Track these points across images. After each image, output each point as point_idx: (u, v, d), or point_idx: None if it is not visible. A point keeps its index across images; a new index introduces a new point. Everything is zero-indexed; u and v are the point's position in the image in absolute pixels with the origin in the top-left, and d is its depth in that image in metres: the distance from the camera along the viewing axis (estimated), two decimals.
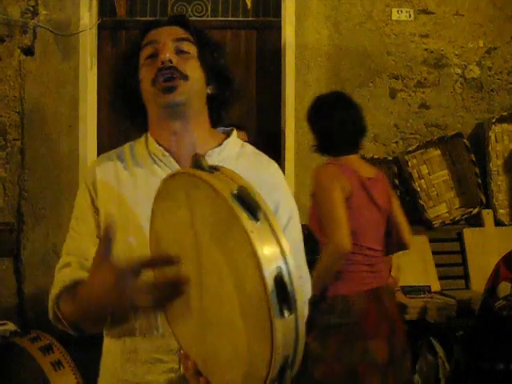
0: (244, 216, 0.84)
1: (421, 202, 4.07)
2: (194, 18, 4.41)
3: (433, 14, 4.22)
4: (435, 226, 4.05)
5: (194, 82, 1.33)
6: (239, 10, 4.41)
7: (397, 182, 4.12)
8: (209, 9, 4.40)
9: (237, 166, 1.30)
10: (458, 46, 4.25)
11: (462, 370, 3.05)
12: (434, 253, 3.94)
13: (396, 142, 4.26)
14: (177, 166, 1.33)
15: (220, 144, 1.39)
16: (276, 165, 1.46)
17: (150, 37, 1.36)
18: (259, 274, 0.81)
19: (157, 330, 1.27)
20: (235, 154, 1.40)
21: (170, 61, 1.29)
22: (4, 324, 3.55)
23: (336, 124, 2.66)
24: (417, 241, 3.96)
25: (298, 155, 4.16)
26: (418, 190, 4.09)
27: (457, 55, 4.26)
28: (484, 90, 4.29)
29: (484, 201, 4.05)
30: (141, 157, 1.38)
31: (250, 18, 4.40)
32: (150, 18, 4.39)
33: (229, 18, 4.40)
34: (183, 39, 1.35)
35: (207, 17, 4.41)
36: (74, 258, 1.36)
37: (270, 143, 4.17)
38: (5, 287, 4.19)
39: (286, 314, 0.82)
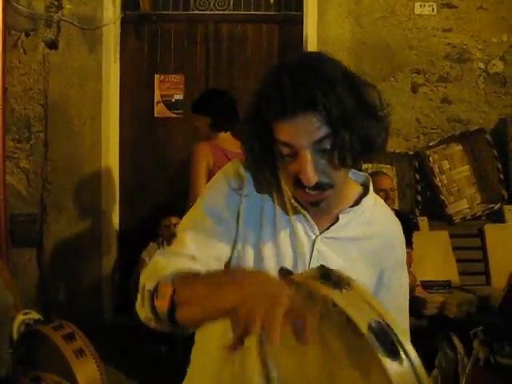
0: (382, 355, 0.78)
1: (442, 198, 4.05)
2: (216, 12, 4.43)
3: (456, 7, 4.18)
4: (456, 221, 4.03)
5: (340, 180, 1.18)
6: (261, 4, 4.41)
7: (418, 176, 4.11)
8: (231, 3, 4.41)
9: (366, 231, 1.25)
10: (481, 41, 4.21)
11: (481, 365, 3.03)
12: (454, 248, 3.92)
13: (417, 137, 4.24)
14: (315, 229, 1.23)
15: (357, 201, 1.27)
16: (400, 227, 1.34)
17: (286, 134, 1.14)
18: None
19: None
20: (369, 213, 1.27)
21: (316, 183, 1.14)
22: (28, 313, 3.61)
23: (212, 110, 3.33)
24: (437, 236, 3.95)
25: None
26: (439, 185, 4.07)
27: (480, 50, 4.22)
28: (507, 85, 4.25)
29: (506, 197, 4.02)
30: (283, 207, 1.24)
31: (272, 12, 4.40)
32: (173, 12, 4.42)
33: (251, 12, 4.41)
34: (320, 140, 1.12)
35: (229, 10, 4.43)
36: (201, 256, 1.17)
37: None
38: (28, 277, 4.26)
39: None
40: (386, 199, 3.52)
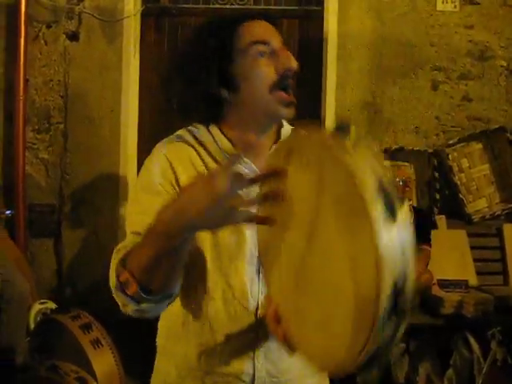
0: (379, 213, 0.82)
1: (460, 196, 4.01)
2: (237, 7, 4.42)
3: (479, 4, 4.13)
4: (474, 220, 4.00)
5: None
6: None
7: (436, 175, 4.08)
8: None
9: None
10: (503, 38, 4.15)
11: (498, 366, 3.02)
12: (472, 247, 3.89)
13: (437, 135, 4.20)
14: (254, 167, 1.27)
15: (278, 134, 1.34)
16: None
17: (257, 33, 1.22)
18: (377, 277, 0.81)
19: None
20: None
21: (296, 69, 1.22)
22: (44, 302, 3.65)
23: None
24: (455, 235, 3.92)
25: None
26: (458, 183, 4.04)
27: (502, 47, 4.17)
28: None
29: None
30: (214, 152, 1.29)
31: (293, 7, 4.38)
32: (193, 6, 4.42)
33: (271, 7, 4.39)
34: (283, 44, 1.25)
35: (250, 5, 4.41)
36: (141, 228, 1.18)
37: None
38: (46, 267, 4.29)
39: (393, 320, 0.84)
40: (405, 188, 3.49)
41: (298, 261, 1.00)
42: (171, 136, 1.36)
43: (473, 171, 4.14)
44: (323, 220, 0.94)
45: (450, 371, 3.43)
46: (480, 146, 4.15)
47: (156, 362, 1.44)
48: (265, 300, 1.17)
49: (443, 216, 3.99)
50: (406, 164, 4.14)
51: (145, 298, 1.10)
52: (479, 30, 4.17)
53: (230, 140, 1.29)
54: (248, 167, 1.27)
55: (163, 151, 1.31)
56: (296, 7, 4.38)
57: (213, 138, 1.30)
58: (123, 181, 4.31)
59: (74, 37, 4.30)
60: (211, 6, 4.43)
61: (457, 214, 4.04)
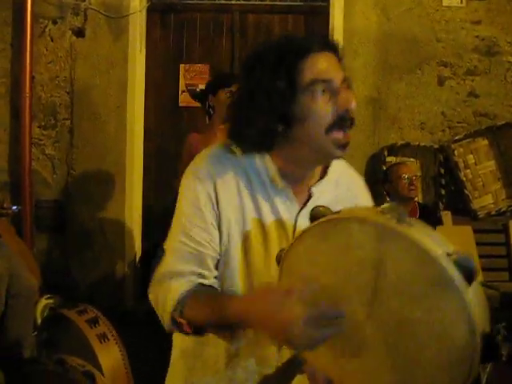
0: (462, 282, 0.88)
1: (466, 192, 4.01)
2: (241, 2, 4.42)
3: None
4: (480, 216, 3.99)
5: None
6: None
7: (442, 170, 4.07)
8: None
9: (336, 193, 1.31)
10: (511, 34, 4.14)
11: (504, 362, 3.01)
12: (477, 244, 3.88)
13: (443, 131, 4.20)
14: (295, 205, 1.27)
15: (323, 172, 1.32)
16: (361, 180, 1.42)
17: (321, 71, 1.17)
18: (474, 337, 0.89)
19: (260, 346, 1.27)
20: (335, 180, 1.33)
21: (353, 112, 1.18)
22: (51, 297, 3.67)
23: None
24: (461, 231, 3.91)
25: None
26: (464, 179, 4.03)
27: (509, 43, 4.15)
28: None
29: None
30: (262, 180, 1.26)
31: (298, 3, 4.38)
32: (199, 2, 4.42)
33: (277, 3, 4.39)
34: (345, 79, 1.20)
35: (255, 1, 4.41)
36: (188, 268, 1.23)
37: None
38: (52, 262, 4.32)
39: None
40: (410, 186, 3.49)
41: (358, 337, 1.03)
42: (220, 149, 1.28)
43: (479, 167, 4.13)
44: (384, 297, 0.98)
45: None
46: (486, 142, 4.14)
47: (176, 361, 1.41)
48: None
49: (449, 212, 3.99)
50: (412, 160, 4.14)
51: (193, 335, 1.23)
52: (486, 25, 4.15)
53: (278, 168, 1.26)
54: (288, 196, 1.27)
55: (211, 170, 1.25)
56: (302, 3, 4.37)
57: (264, 166, 1.26)
58: (129, 177, 4.33)
59: (79, 33, 4.31)
60: (216, 1, 4.43)
61: (462, 210, 4.04)
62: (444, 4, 4.13)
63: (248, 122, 1.21)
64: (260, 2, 4.41)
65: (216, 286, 1.25)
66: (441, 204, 4.05)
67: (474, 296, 0.89)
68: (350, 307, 1.01)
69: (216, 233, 1.23)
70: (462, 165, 4.08)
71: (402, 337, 0.96)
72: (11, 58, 4.34)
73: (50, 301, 3.72)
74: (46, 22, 4.30)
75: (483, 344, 0.89)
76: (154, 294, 1.27)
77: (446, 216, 3.97)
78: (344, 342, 1.04)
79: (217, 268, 1.25)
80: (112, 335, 2.83)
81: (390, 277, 0.96)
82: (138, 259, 4.42)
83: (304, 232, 1.06)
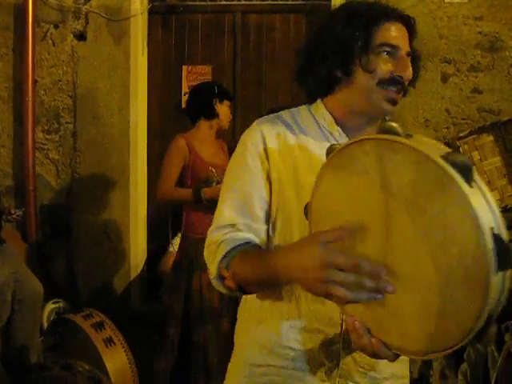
0: (460, 179, 0.87)
1: None
2: (243, 2, 4.41)
3: None
4: None
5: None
6: None
7: None
8: None
9: None
10: None
11: None
12: None
13: (447, 128, 4.18)
14: None
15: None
16: None
17: (391, 36, 1.31)
18: (478, 233, 0.86)
19: (322, 302, 1.26)
20: None
21: (408, 79, 1.31)
22: (57, 301, 3.67)
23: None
24: None
25: None
26: None
27: None
28: None
29: None
30: (312, 132, 1.36)
31: (300, 2, 4.36)
32: (200, 3, 4.41)
33: (278, 2, 4.37)
34: (409, 54, 1.34)
35: (257, 1, 4.40)
36: (242, 220, 1.31)
37: None
38: (57, 266, 4.32)
39: (501, 271, 0.87)
40: None
41: (380, 260, 1.00)
42: (271, 114, 1.41)
43: (484, 164, 4.10)
44: (397, 219, 0.96)
45: (464, 365, 3.40)
46: (491, 138, 4.11)
47: (236, 346, 1.45)
48: (348, 319, 1.12)
49: None
50: None
51: (239, 293, 1.27)
52: (488, 21, 4.12)
53: (334, 117, 1.36)
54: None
55: (260, 127, 1.36)
56: (303, 2, 4.36)
57: (314, 118, 1.38)
58: (133, 179, 4.32)
59: (81, 36, 4.31)
60: (218, 2, 4.42)
61: None
62: (446, 0, 4.10)
63: (313, 67, 1.35)
64: (261, 2, 4.40)
65: (265, 242, 1.32)
66: None
67: (477, 197, 0.87)
68: (372, 239, 1.00)
69: (266, 185, 1.32)
70: None
71: (420, 256, 0.94)
72: (13, 63, 4.34)
73: (57, 305, 3.72)
74: (48, 26, 4.30)
75: (496, 246, 0.86)
76: (207, 252, 1.33)
77: None
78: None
79: (268, 221, 1.33)
80: (118, 339, 2.83)
81: (396, 193, 0.95)
82: (143, 262, 4.41)
83: (321, 170, 1.09)
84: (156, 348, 3.09)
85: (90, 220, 4.32)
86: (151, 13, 4.38)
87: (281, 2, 4.36)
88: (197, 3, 4.41)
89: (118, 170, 4.29)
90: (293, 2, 4.36)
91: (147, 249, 4.45)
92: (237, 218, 1.31)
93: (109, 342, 2.82)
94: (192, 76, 4.43)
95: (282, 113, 1.40)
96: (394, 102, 1.31)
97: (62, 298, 3.80)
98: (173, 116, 4.47)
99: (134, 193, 4.33)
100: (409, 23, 1.37)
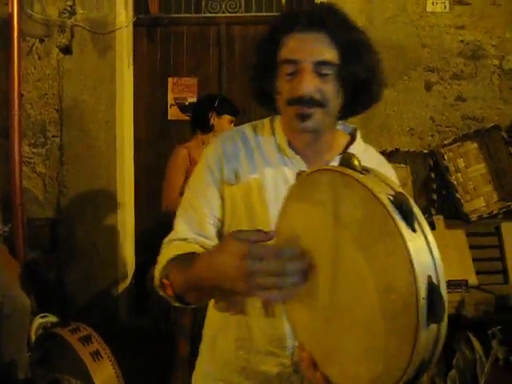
0: (402, 223, 0.85)
1: (457, 196, 4.01)
2: (227, 14, 4.44)
3: (469, 4, 4.15)
4: (472, 219, 3.99)
5: (331, 108, 1.27)
6: (273, 6, 4.42)
7: (433, 175, 4.07)
8: (242, 5, 4.42)
9: None
10: (495, 37, 4.16)
11: (500, 365, 3.00)
12: (471, 247, 3.88)
13: (432, 135, 4.21)
14: (305, 169, 1.27)
15: (345, 149, 1.36)
16: (394, 172, 1.44)
17: (290, 52, 1.24)
18: (413, 280, 0.83)
19: (272, 326, 1.27)
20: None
21: (310, 94, 1.22)
22: (45, 316, 3.65)
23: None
24: (454, 235, 3.92)
25: None
26: (455, 183, 4.03)
27: (494, 46, 4.18)
28: None
29: None
30: (269, 152, 1.33)
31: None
32: (185, 15, 4.44)
33: (262, 14, 4.41)
34: (325, 63, 1.22)
35: (241, 13, 4.43)
36: (194, 236, 1.31)
37: None
38: (45, 280, 4.29)
39: (433, 324, 0.84)
40: None
41: (325, 301, 1.00)
42: (232, 130, 1.43)
43: (469, 171, 4.13)
44: (346, 249, 0.95)
45: (452, 372, 3.41)
46: (475, 145, 4.15)
47: (198, 359, 1.47)
48: (297, 348, 1.14)
49: (441, 216, 3.99)
50: (403, 166, 4.14)
51: (179, 303, 1.24)
52: (470, 29, 4.18)
53: (288, 140, 1.34)
54: (300, 166, 1.31)
55: (220, 144, 1.36)
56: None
57: (274, 134, 1.36)
58: (120, 192, 4.32)
59: (67, 50, 4.32)
60: (202, 14, 4.45)
61: (454, 214, 4.04)
62: (428, 10, 4.15)
63: (252, 91, 1.37)
64: (246, 14, 4.43)
65: None
66: (432, 209, 4.05)
67: (417, 242, 0.85)
68: (321, 271, 0.99)
69: (220, 204, 1.32)
70: (452, 169, 4.08)
71: (363, 295, 0.92)
72: None
73: (45, 320, 3.70)
74: (33, 40, 4.31)
75: (429, 295, 0.83)
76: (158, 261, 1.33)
77: (439, 220, 3.97)
78: (317, 307, 1.01)
79: (220, 238, 1.32)
80: (105, 353, 2.82)
81: (346, 228, 0.94)
82: (131, 275, 4.40)
83: (285, 198, 1.08)
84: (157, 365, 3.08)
85: (77, 233, 4.31)
86: (136, 25, 4.41)
87: (265, 14, 4.40)
88: (181, 15, 4.44)
89: (105, 182, 4.29)
90: (277, 14, 4.39)
91: (135, 261, 4.45)
92: (189, 233, 1.32)
93: (96, 355, 2.81)
94: (178, 88, 4.45)
95: (245, 128, 1.39)
96: (303, 118, 1.24)
97: (50, 312, 3.78)
98: (159, 128, 4.48)
99: (122, 205, 4.33)
100: (323, 26, 1.24)
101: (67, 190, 4.35)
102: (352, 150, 1.34)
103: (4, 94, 4.29)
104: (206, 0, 4.44)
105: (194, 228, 1.32)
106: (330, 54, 1.22)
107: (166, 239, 1.35)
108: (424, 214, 3.13)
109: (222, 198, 1.32)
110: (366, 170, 0.94)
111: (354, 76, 1.24)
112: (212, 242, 1.31)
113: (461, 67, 4.20)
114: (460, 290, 3.55)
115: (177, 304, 1.25)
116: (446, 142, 4.08)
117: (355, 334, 0.95)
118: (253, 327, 1.30)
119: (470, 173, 4.14)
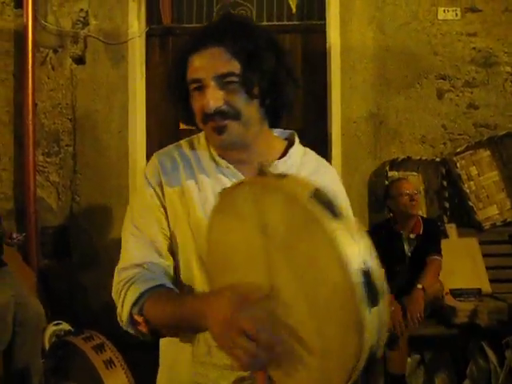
0: (325, 215, 0.87)
1: (470, 204, 3.99)
2: None
3: (480, 11, 4.15)
4: (485, 227, 3.97)
5: (246, 117, 1.26)
6: (284, 15, 4.43)
7: (445, 183, 4.06)
8: (254, 14, 4.44)
9: (299, 174, 1.31)
10: (507, 44, 4.15)
11: None
12: (484, 255, 3.86)
13: (444, 143, 4.20)
14: (242, 177, 1.30)
15: (284, 153, 1.37)
16: (335, 171, 1.47)
17: (194, 71, 1.26)
18: (347, 269, 0.84)
19: None
20: (299, 162, 1.37)
21: (216, 108, 1.23)
22: (59, 323, 3.67)
23: None
24: (466, 243, 3.90)
25: (345, 159, 4.14)
26: (468, 191, 4.02)
27: (506, 53, 4.16)
28: None
29: None
30: (206, 165, 1.34)
31: (295, 22, 4.41)
32: (197, 25, 4.47)
33: (274, 23, 4.42)
34: (226, 75, 1.23)
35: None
36: (149, 259, 1.29)
37: (317, 147, 4.16)
38: (58, 288, 4.32)
39: (374, 306, 0.86)
40: (411, 202, 3.50)
41: (267, 305, 1.00)
42: (172, 145, 1.42)
43: (482, 178, 4.12)
44: (276, 259, 0.96)
45: (466, 382, 3.39)
46: (488, 152, 4.13)
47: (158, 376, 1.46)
48: None
49: (453, 225, 3.97)
50: (414, 174, 4.13)
51: (150, 336, 1.25)
52: (482, 37, 4.17)
53: (218, 153, 1.34)
54: (235, 175, 1.32)
55: (157, 160, 1.36)
56: (298, 22, 4.41)
57: (208, 148, 1.36)
58: None
59: (80, 60, 4.36)
60: None
61: (467, 222, 4.02)
62: (439, 17, 4.15)
63: (177, 113, 1.38)
64: (257, 23, 4.44)
65: (174, 278, 1.31)
66: (445, 217, 4.03)
67: (344, 231, 0.86)
68: (258, 282, 1.00)
69: (166, 222, 1.31)
70: (464, 177, 4.07)
71: (298, 296, 0.94)
72: (14, 88, 4.39)
73: (58, 327, 3.72)
74: (47, 50, 4.36)
75: (365, 280, 0.84)
76: (115, 290, 1.32)
77: (451, 229, 3.95)
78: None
79: (173, 256, 1.32)
80: (118, 361, 2.82)
81: (273, 235, 0.95)
82: None
83: (211, 214, 1.11)
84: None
85: (90, 241, 4.34)
86: (149, 35, 4.44)
87: (276, 23, 4.41)
88: (193, 25, 4.46)
89: (118, 190, 4.32)
90: (287, 23, 4.41)
91: None
92: (143, 258, 1.29)
93: (109, 363, 2.82)
94: None
95: (182, 143, 1.40)
96: (219, 131, 1.25)
97: (63, 319, 3.80)
98: (171, 137, 4.50)
99: None
100: (221, 40, 1.23)
101: (80, 198, 4.38)
102: (291, 154, 1.36)
103: (18, 104, 4.34)
104: (218, 10, 4.47)
105: (148, 251, 1.30)
106: (230, 65, 1.23)
107: (120, 267, 1.33)
108: (437, 222, 3.11)
109: (164, 207, 1.31)
110: (282, 176, 0.96)
111: (260, 82, 1.24)
112: (169, 262, 1.31)
113: (473, 75, 4.19)
114: (473, 299, 3.53)
115: (145, 338, 1.26)
116: (458, 150, 4.07)
117: (310, 330, 0.96)
118: (212, 343, 1.25)
119: (483, 181, 4.12)
